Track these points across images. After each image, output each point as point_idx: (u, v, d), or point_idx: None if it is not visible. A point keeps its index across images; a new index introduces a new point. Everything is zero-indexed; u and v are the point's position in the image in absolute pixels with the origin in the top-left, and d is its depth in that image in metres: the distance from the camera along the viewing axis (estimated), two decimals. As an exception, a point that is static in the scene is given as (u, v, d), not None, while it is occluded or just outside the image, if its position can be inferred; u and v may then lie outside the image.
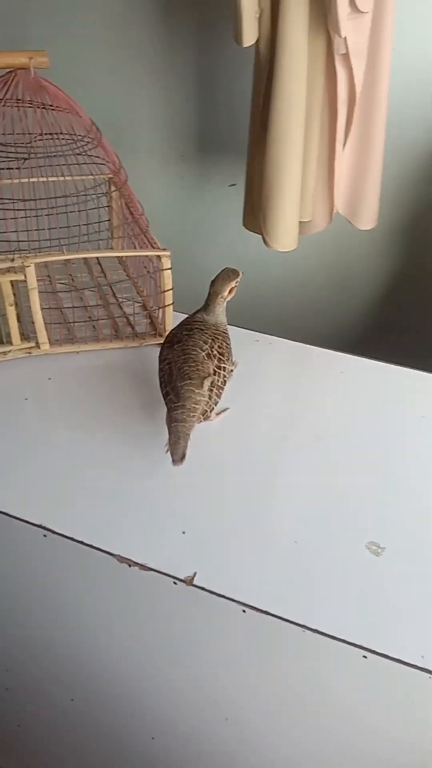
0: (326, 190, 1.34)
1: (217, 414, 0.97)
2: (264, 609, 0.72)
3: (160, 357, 0.93)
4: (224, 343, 0.93)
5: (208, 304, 0.94)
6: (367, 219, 1.39)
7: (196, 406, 0.86)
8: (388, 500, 0.87)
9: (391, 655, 0.69)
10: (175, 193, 1.99)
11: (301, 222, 1.36)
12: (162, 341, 0.95)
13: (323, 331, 2.01)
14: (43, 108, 0.98)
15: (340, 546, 0.80)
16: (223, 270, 0.95)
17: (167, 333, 0.96)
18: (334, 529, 0.82)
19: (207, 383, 0.88)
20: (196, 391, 0.87)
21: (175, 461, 0.82)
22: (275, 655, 0.76)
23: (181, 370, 0.88)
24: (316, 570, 0.77)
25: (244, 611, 0.73)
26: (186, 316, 0.98)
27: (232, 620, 0.74)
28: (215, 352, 0.90)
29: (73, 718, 1.10)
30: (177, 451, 0.83)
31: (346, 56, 1.17)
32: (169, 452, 0.83)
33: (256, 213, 1.34)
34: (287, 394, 1.06)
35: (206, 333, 0.92)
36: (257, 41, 1.20)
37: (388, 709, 0.73)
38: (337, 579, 0.76)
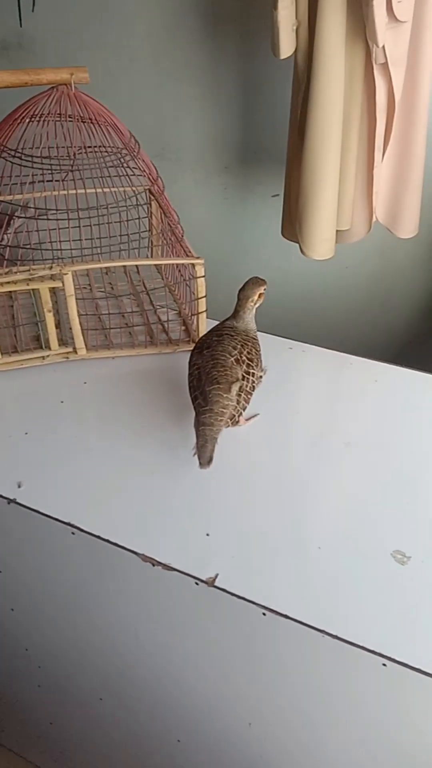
0: (365, 199, 1.34)
1: (247, 419, 0.98)
2: (284, 613, 0.73)
3: (189, 362, 0.95)
4: (254, 349, 0.94)
5: (237, 311, 0.96)
6: (408, 228, 1.38)
7: (224, 411, 0.87)
8: (416, 510, 0.86)
9: (410, 664, 0.68)
10: (218, 203, 2.01)
11: (340, 231, 1.36)
12: (195, 347, 0.97)
13: (363, 342, 2.00)
14: (83, 122, 1.02)
15: (364, 553, 0.80)
16: (250, 278, 0.96)
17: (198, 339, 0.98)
18: (360, 537, 0.82)
19: (235, 388, 0.89)
20: (224, 395, 0.88)
21: (202, 464, 0.84)
22: (294, 659, 0.76)
23: (210, 375, 0.89)
24: (338, 576, 0.77)
25: (264, 614, 0.73)
26: (221, 323, 0.99)
27: (251, 623, 0.75)
28: (244, 358, 0.91)
29: (102, 717, 1.11)
30: (204, 455, 0.84)
31: (384, 65, 1.17)
32: (196, 455, 0.85)
33: (293, 222, 1.35)
34: (318, 401, 1.06)
35: (235, 339, 0.93)
36: (295, 52, 1.22)
37: (407, 717, 0.72)
38: (359, 586, 0.76)
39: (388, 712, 0.73)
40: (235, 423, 0.91)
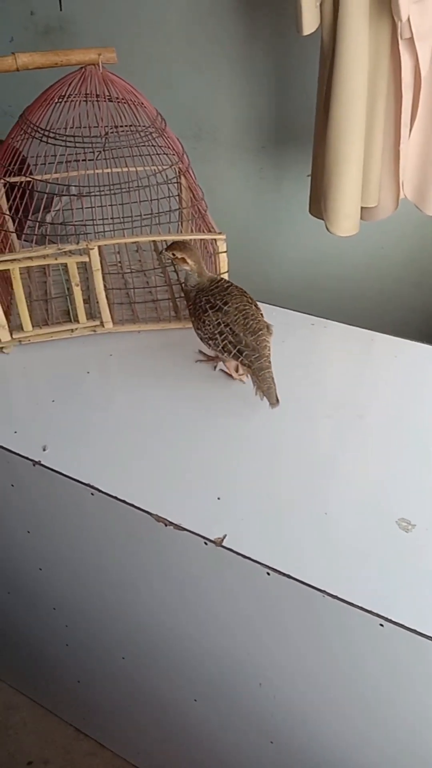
0: (392, 176, 1.33)
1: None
2: (287, 573, 0.75)
3: (208, 324, 0.97)
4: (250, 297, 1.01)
5: (194, 271, 1.01)
6: (437, 205, 1.37)
7: (270, 353, 0.96)
8: (423, 480, 0.87)
9: (407, 625, 0.70)
10: (254, 183, 2.02)
11: (368, 208, 1.36)
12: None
13: (396, 322, 1.99)
14: (110, 101, 1.05)
15: (369, 520, 0.81)
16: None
17: (192, 305, 1.01)
18: (366, 504, 0.84)
19: (271, 332, 0.98)
20: (269, 339, 0.97)
21: (273, 404, 0.94)
22: (297, 619, 0.79)
23: (248, 326, 0.96)
24: (342, 541, 0.79)
25: (268, 574, 0.76)
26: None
27: (257, 583, 0.78)
28: (256, 306, 0.99)
29: (124, 676, 1.17)
30: (272, 395, 0.94)
31: (410, 40, 1.16)
32: (264, 398, 0.94)
33: (319, 198, 1.35)
34: (336, 376, 1.08)
35: (237, 291, 0.99)
36: (321, 29, 1.22)
37: (403, 678, 0.74)
38: (362, 550, 0.78)
39: (385, 671, 0.75)
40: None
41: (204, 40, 1.87)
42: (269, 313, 1.05)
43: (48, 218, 1.27)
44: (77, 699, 1.39)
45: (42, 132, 1.08)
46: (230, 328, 0.96)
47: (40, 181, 1.13)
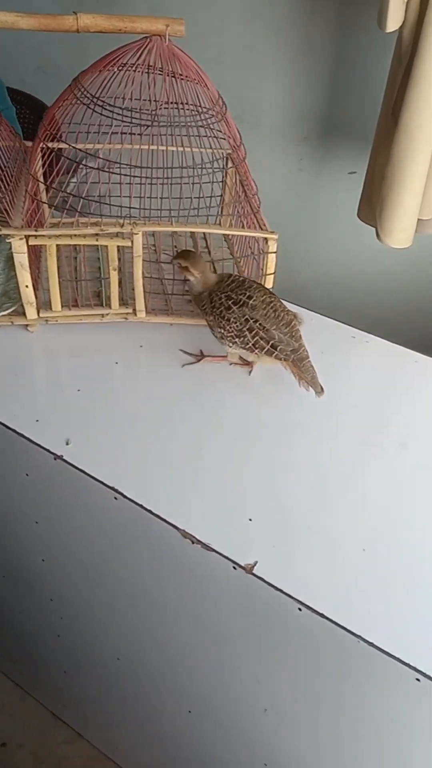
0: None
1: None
2: (320, 611, 0.71)
3: (234, 321, 0.92)
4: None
5: (198, 281, 0.97)
6: None
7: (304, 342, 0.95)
8: (468, 523, 0.82)
9: (447, 684, 0.66)
10: (292, 174, 1.95)
11: (422, 220, 1.30)
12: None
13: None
14: (173, 77, 0.98)
15: (410, 560, 0.77)
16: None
17: (208, 303, 0.95)
18: (406, 543, 0.79)
19: (301, 320, 0.97)
20: (300, 328, 0.95)
21: (318, 392, 0.94)
22: (324, 659, 0.75)
23: (279, 317, 0.93)
24: (380, 581, 0.75)
25: (299, 609, 0.72)
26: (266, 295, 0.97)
27: (286, 616, 0.73)
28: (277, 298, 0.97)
29: (117, 676, 1.13)
30: (317, 384, 0.94)
31: None
32: (310, 389, 0.94)
33: (373, 205, 1.29)
34: (376, 396, 1.03)
35: (256, 284, 0.96)
36: (401, 27, 1.14)
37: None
38: (401, 594, 0.73)
39: (418, 727, 0.71)
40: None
41: (260, 20, 1.79)
42: (308, 320, 1.00)
43: (71, 185, 1.20)
44: (60, 687, 1.35)
45: (93, 99, 1.01)
46: (260, 324, 0.91)
47: (80, 150, 1.06)
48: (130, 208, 1.13)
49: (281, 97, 1.87)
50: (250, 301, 0.92)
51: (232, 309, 0.92)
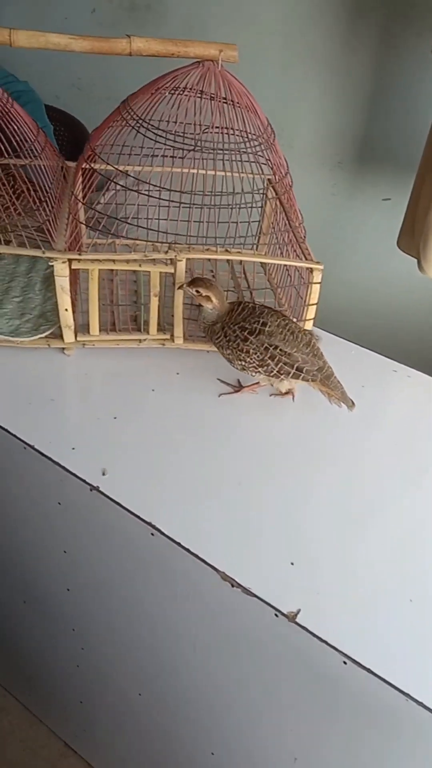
0: None
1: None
2: (367, 666, 0.68)
3: (254, 352, 0.91)
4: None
5: (216, 309, 0.95)
6: None
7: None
8: None
9: None
10: (324, 199, 1.93)
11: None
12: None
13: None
14: (224, 102, 0.96)
15: (459, 616, 0.74)
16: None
17: (222, 337, 0.94)
18: (455, 597, 0.76)
19: (318, 336, 0.97)
20: (319, 345, 0.95)
21: (350, 407, 0.94)
22: (369, 716, 0.71)
23: (298, 339, 0.92)
24: (430, 635, 0.71)
25: (344, 663, 0.69)
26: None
27: (329, 670, 0.70)
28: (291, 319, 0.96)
29: (137, 710, 1.09)
30: (347, 399, 0.94)
31: None
32: (342, 405, 0.94)
33: (415, 235, 1.27)
34: (422, 438, 0.99)
35: (267, 309, 0.94)
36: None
37: None
38: (451, 653, 0.70)
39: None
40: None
41: (299, 41, 1.78)
42: (346, 351, 0.98)
43: (101, 204, 1.18)
44: (74, 717, 1.32)
45: (141, 122, 0.99)
46: (280, 349, 0.90)
47: (123, 173, 1.04)
48: (167, 233, 1.11)
49: (317, 119, 1.86)
50: (266, 328, 0.91)
51: (249, 340, 0.91)
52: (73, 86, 2.22)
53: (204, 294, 0.94)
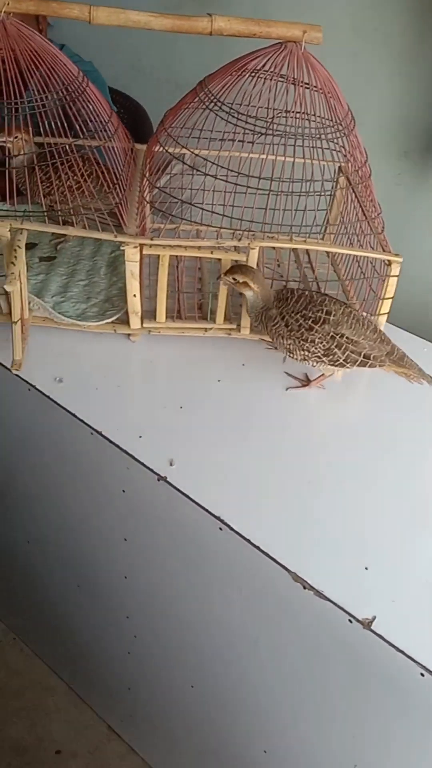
0: None
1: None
2: (447, 680, 0.65)
3: (319, 341, 0.88)
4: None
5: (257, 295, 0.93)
6: None
7: None
8: None
9: None
10: (388, 189, 1.87)
11: None
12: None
13: None
14: (306, 87, 0.93)
15: None
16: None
17: (283, 326, 0.90)
18: None
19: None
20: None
21: (431, 381, 0.93)
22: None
23: (364, 326, 0.90)
24: None
25: (422, 675, 0.66)
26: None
27: (405, 681, 0.68)
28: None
29: (187, 702, 1.09)
30: (426, 374, 0.92)
31: None
32: (423, 381, 0.93)
33: None
34: None
35: (327, 297, 0.92)
36: None
37: None
38: None
39: None
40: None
41: (368, 27, 1.72)
42: (419, 348, 0.96)
43: (161, 182, 1.15)
44: (121, 702, 1.32)
45: (218, 104, 0.96)
46: (347, 338, 0.88)
47: (196, 155, 1.02)
48: (232, 218, 1.07)
49: (382, 107, 1.80)
50: (331, 317, 0.88)
51: (314, 329, 0.88)
52: (133, 68, 2.19)
53: (241, 281, 0.91)
